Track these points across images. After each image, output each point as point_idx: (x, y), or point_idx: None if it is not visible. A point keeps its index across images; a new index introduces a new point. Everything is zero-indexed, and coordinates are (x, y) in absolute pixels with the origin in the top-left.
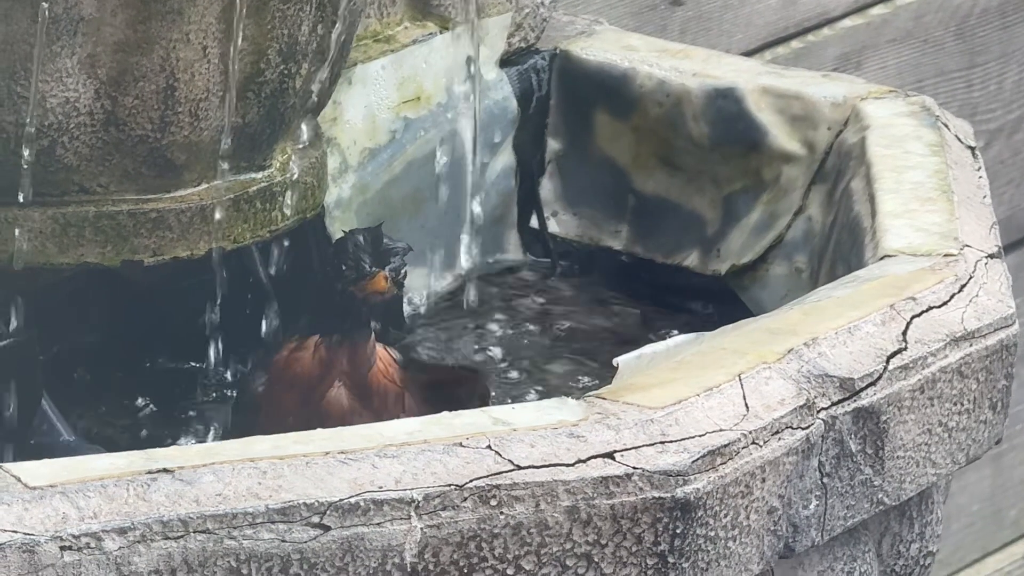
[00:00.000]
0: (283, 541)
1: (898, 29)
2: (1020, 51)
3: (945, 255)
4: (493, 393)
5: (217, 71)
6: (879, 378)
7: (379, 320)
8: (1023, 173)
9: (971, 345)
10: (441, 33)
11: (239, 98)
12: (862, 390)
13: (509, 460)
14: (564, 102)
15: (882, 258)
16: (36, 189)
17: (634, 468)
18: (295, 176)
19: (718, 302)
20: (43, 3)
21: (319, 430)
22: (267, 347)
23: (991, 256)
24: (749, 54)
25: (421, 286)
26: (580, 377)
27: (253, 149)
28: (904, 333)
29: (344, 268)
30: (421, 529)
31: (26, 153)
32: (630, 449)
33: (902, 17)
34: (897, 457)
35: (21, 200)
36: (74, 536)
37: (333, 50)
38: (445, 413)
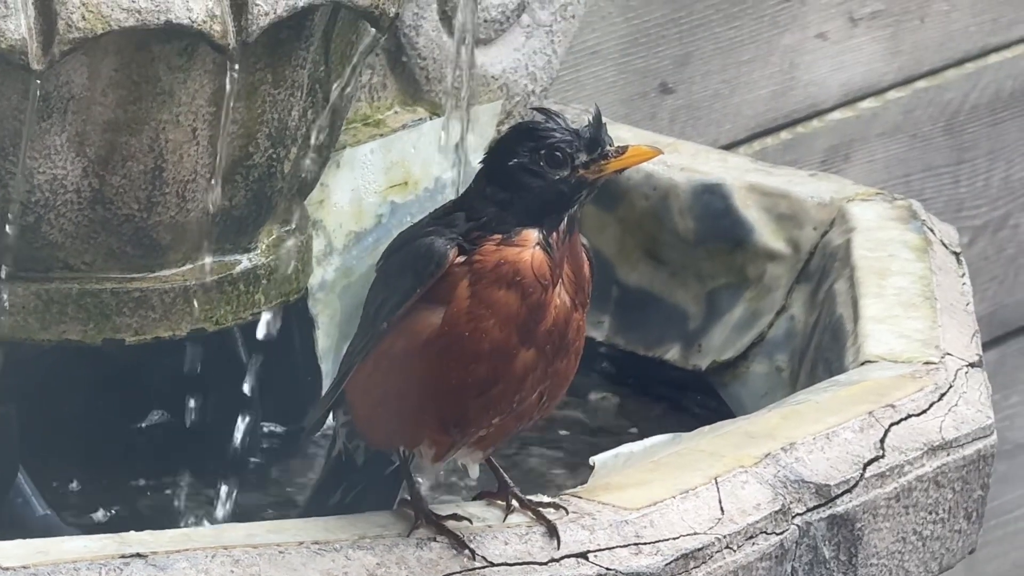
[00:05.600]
0: None
1: (887, 123)
2: (1009, 148)
3: (926, 363)
4: None
5: (206, 153)
6: (855, 485)
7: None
8: (1007, 270)
9: (948, 455)
10: (431, 119)
11: (227, 181)
12: (838, 497)
13: (483, 557)
14: None
15: (863, 363)
16: (20, 265)
17: (607, 569)
18: (280, 259)
19: (698, 397)
20: (35, 80)
21: (291, 520)
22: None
23: (971, 365)
24: (738, 144)
25: None
26: (556, 472)
27: (239, 231)
28: (882, 440)
29: (564, 153)
30: None
31: (10, 229)
32: (604, 550)
33: (892, 111)
34: (870, 565)
35: (4, 275)
36: None
37: (323, 135)
38: None
